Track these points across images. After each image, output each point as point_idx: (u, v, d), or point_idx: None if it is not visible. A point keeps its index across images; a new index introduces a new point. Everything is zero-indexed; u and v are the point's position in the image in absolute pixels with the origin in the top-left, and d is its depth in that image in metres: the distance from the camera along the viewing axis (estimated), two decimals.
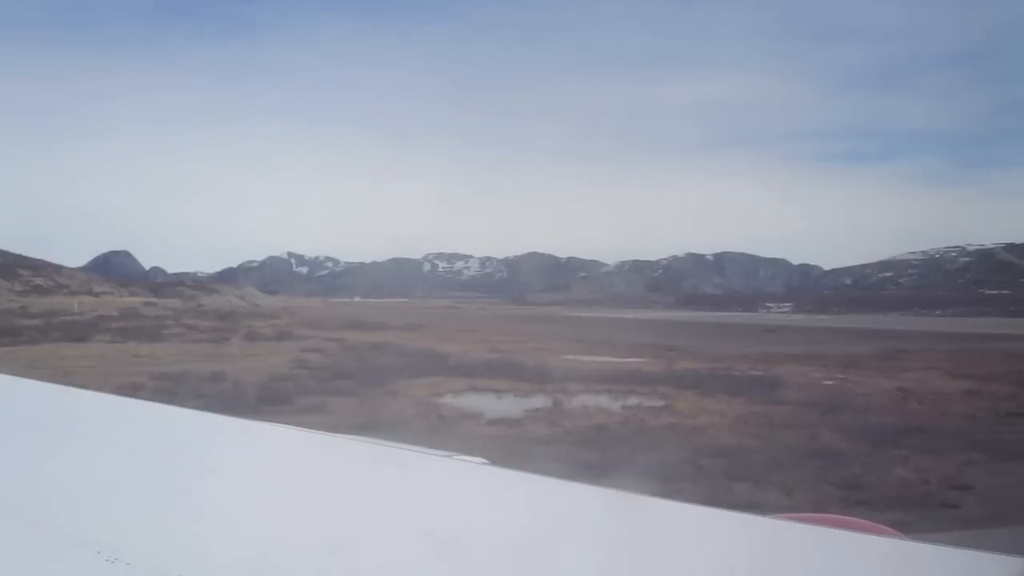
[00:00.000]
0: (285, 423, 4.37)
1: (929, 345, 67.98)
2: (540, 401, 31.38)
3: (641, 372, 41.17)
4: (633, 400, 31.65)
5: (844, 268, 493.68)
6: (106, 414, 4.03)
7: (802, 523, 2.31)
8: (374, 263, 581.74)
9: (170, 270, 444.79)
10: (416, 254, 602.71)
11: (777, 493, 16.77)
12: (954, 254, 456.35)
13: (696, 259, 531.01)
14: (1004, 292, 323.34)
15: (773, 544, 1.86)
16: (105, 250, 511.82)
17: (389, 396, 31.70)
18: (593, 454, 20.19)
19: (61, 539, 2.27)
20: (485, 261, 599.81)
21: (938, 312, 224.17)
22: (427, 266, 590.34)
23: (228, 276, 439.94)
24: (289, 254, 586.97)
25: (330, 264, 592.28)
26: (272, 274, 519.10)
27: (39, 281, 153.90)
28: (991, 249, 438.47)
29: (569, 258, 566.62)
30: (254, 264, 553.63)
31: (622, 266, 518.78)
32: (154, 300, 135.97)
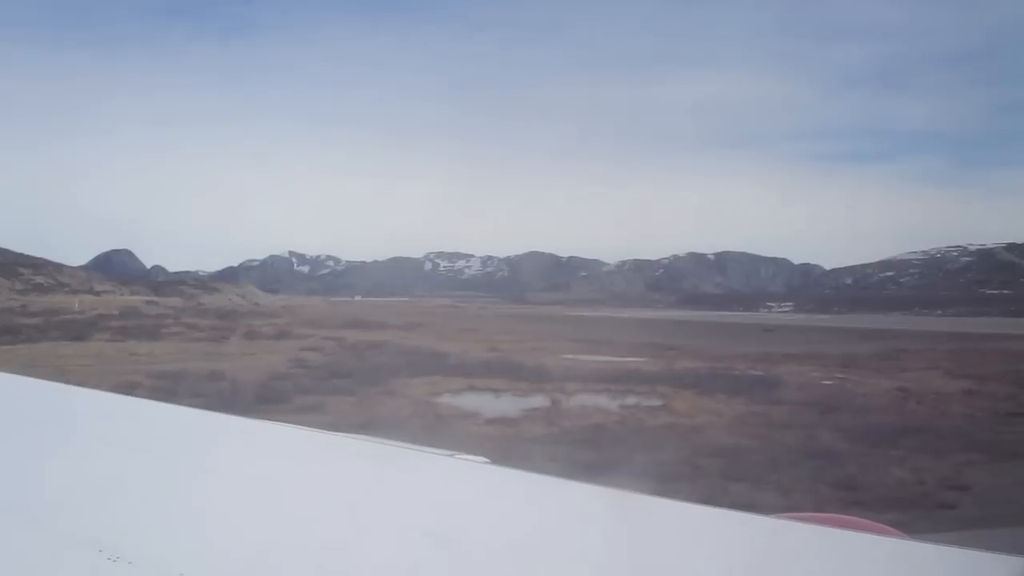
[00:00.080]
0: (283, 422, 4.36)
1: (929, 345, 67.92)
2: (538, 401, 31.33)
3: (640, 372, 41.11)
4: (631, 400, 31.60)
5: (845, 268, 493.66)
6: (107, 413, 4.02)
7: (803, 522, 2.32)
8: (375, 262, 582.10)
9: (171, 269, 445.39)
10: (417, 253, 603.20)
11: (774, 493, 16.72)
12: (955, 254, 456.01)
13: (697, 258, 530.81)
14: (1005, 292, 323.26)
15: (774, 543, 1.85)
16: (106, 249, 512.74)
17: (387, 395, 31.66)
18: (590, 454, 20.13)
19: (62, 538, 2.27)
20: (486, 260, 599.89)
21: (939, 312, 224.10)
22: (428, 265, 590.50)
23: (229, 275, 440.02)
24: (290, 253, 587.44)
25: (331, 263, 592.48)
26: (273, 273, 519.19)
27: (40, 280, 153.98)
28: (992, 249, 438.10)
29: (570, 257, 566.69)
30: (255, 263, 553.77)
31: (623, 265, 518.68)
32: (155, 299, 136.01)
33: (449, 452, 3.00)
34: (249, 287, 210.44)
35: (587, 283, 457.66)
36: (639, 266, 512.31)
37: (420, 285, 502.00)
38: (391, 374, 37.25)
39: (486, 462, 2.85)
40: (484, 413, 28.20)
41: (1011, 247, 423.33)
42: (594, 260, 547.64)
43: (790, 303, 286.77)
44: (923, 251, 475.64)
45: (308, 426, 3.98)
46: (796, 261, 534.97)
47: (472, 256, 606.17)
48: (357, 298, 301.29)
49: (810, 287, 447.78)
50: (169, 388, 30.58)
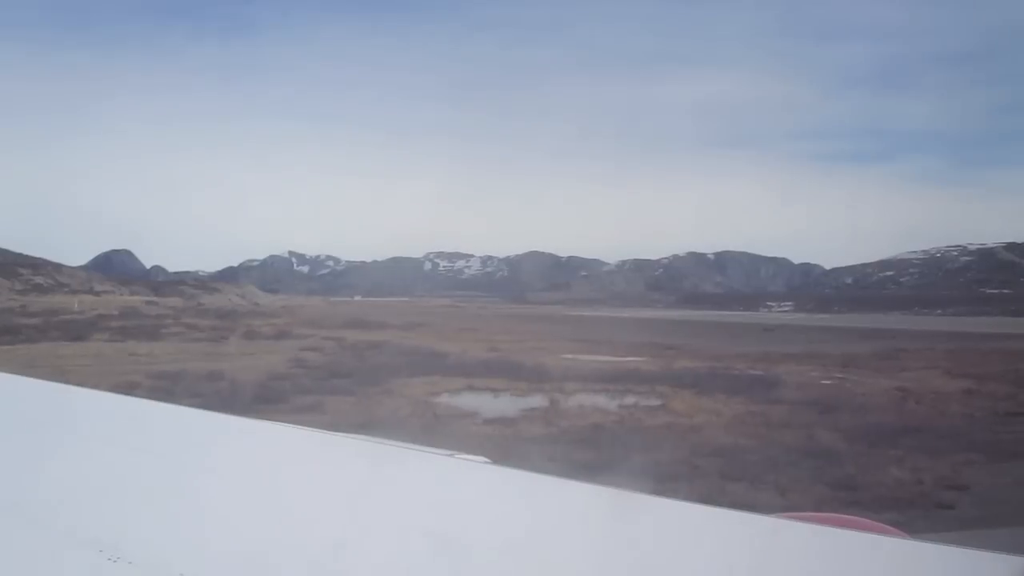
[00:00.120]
0: (283, 422, 4.36)
1: (929, 344, 67.89)
2: (537, 400, 31.31)
3: (639, 371, 41.08)
4: (630, 399, 31.56)
5: (845, 267, 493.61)
6: (107, 412, 4.02)
7: (804, 522, 2.31)
8: (375, 262, 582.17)
9: (171, 269, 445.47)
10: (417, 253, 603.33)
11: (771, 493, 16.70)
12: (955, 253, 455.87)
13: (697, 258, 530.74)
14: (1005, 291, 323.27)
15: (774, 543, 1.84)
16: (106, 249, 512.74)
17: (385, 395, 31.65)
18: (588, 454, 20.12)
19: (63, 538, 2.28)
20: (486, 260, 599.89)
21: (939, 311, 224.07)
22: (428, 265, 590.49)
23: (229, 275, 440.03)
24: (290, 253, 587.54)
25: (331, 263, 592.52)
26: (273, 273, 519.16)
27: (39, 280, 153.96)
28: (992, 248, 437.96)
29: (570, 257, 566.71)
30: (255, 263, 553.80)
31: (623, 265, 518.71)
32: (155, 299, 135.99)
33: (449, 452, 3.00)
34: (249, 287, 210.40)
35: (587, 283, 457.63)
36: (639, 266, 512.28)
37: (420, 285, 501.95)
38: (390, 374, 37.23)
39: (486, 462, 2.85)
40: (482, 413, 28.17)
41: (1011, 246, 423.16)
42: (594, 260, 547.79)
43: (790, 303, 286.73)
44: (923, 251, 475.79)
45: (306, 426, 3.99)
46: (796, 261, 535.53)
47: (472, 256, 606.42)
48: (357, 298, 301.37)
49: (810, 287, 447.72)
50: (168, 388, 30.56)
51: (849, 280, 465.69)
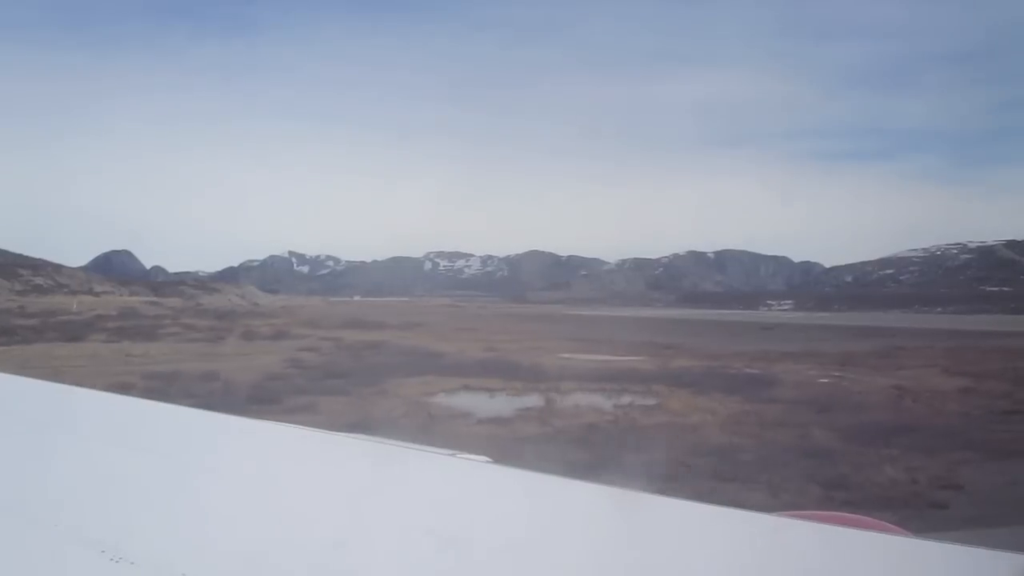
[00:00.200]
0: (283, 422, 4.34)
1: (928, 342, 67.89)
2: (532, 400, 31.23)
3: (636, 370, 41.05)
4: (626, 399, 31.49)
5: (845, 266, 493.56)
6: (107, 412, 4.01)
7: (805, 520, 2.32)
8: (375, 262, 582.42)
9: (171, 269, 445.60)
10: (417, 253, 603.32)
11: (764, 493, 16.61)
12: (955, 251, 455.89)
13: (697, 257, 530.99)
14: (1005, 289, 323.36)
15: (776, 541, 1.81)
16: (106, 249, 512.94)
17: (380, 395, 31.59)
18: (582, 453, 20.07)
19: (65, 538, 2.31)
20: (486, 260, 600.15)
21: (939, 309, 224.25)
22: (428, 265, 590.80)
23: (229, 275, 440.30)
24: (290, 253, 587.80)
25: (331, 263, 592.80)
26: (273, 273, 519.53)
27: (39, 280, 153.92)
28: (992, 246, 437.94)
29: (570, 256, 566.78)
30: (255, 263, 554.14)
31: (623, 264, 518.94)
32: (155, 299, 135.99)
33: (451, 451, 3.00)
34: (249, 287, 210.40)
35: (587, 282, 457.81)
36: (639, 265, 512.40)
37: (420, 285, 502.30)
38: (386, 374, 37.20)
39: (488, 461, 2.86)
40: (477, 413, 28.09)
41: (1011, 244, 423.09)
42: (594, 259, 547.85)
43: (790, 301, 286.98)
44: (923, 249, 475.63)
45: (301, 426, 3.97)
46: (796, 259, 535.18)
47: (472, 255, 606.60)
48: (356, 298, 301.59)
49: (810, 285, 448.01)
50: (162, 389, 30.48)
51: (849, 278, 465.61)
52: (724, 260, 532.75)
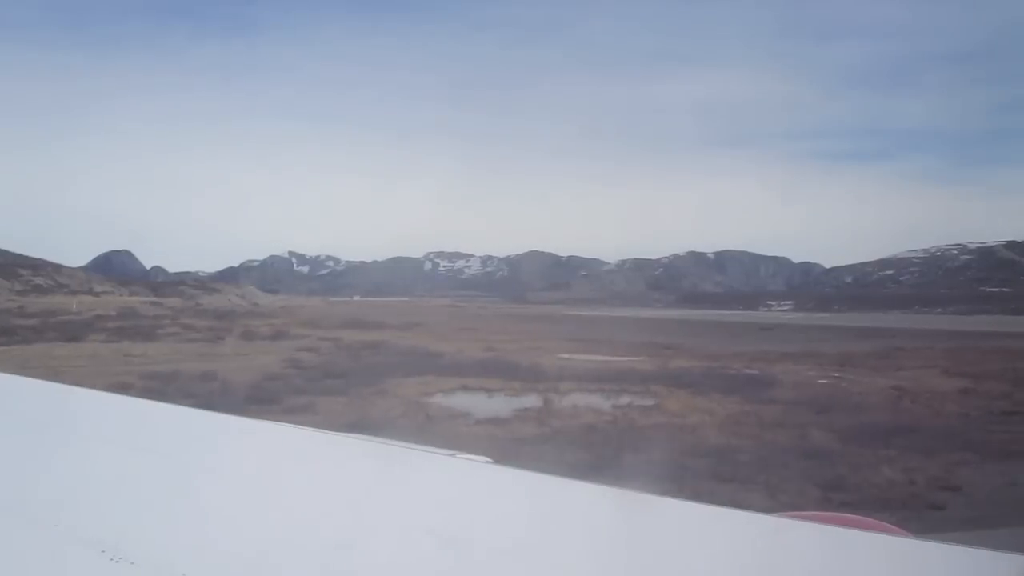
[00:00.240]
0: (283, 422, 4.35)
1: (927, 343, 67.87)
2: (530, 401, 31.19)
3: (635, 371, 41.03)
4: (624, 399, 31.45)
5: (845, 266, 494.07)
6: (107, 412, 4.01)
7: (806, 521, 2.33)
8: (375, 262, 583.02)
9: (171, 269, 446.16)
10: (417, 253, 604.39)
11: (761, 494, 16.57)
12: (955, 252, 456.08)
13: (697, 257, 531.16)
14: (1005, 290, 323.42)
15: (776, 542, 1.83)
16: (106, 249, 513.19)
17: (378, 395, 31.55)
18: (579, 454, 20.02)
19: (65, 538, 2.30)
20: (486, 260, 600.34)
21: (938, 310, 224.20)
22: (428, 265, 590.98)
23: (229, 275, 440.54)
24: (290, 253, 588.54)
25: (331, 263, 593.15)
26: (273, 273, 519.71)
27: (39, 281, 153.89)
28: (992, 247, 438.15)
29: (570, 257, 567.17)
30: (255, 263, 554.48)
31: (623, 264, 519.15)
32: (154, 300, 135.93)
33: (451, 452, 3.00)
34: (249, 288, 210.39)
35: (587, 282, 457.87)
36: (639, 265, 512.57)
37: (420, 285, 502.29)
38: (385, 374, 37.17)
39: (488, 462, 2.85)
40: (475, 413, 28.06)
41: (1011, 245, 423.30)
42: (594, 259, 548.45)
43: (790, 301, 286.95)
44: (923, 249, 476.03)
45: (299, 426, 3.97)
46: (796, 260, 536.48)
47: (472, 256, 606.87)
48: (356, 298, 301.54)
49: (810, 285, 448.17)
50: (160, 389, 30.45)
51: (849, 279, 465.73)
52: (724, 261, 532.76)
